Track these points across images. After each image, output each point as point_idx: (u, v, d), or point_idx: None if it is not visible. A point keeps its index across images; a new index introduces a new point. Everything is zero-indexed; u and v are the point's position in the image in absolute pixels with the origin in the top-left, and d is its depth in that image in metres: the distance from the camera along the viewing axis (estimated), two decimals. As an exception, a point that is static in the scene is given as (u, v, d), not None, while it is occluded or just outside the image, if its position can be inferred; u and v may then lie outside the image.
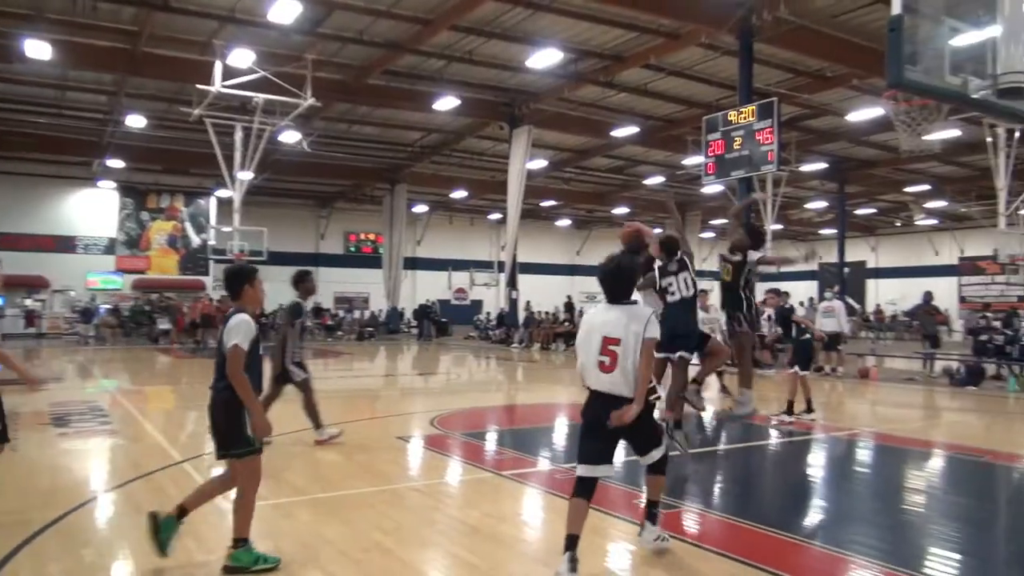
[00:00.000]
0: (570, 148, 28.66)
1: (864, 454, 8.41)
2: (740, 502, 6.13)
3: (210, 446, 6.83)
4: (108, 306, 28.83)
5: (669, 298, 6.85)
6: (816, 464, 7.95)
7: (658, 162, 30.04)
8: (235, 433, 4.24)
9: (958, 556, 4.81)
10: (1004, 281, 29.71)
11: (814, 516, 5.88)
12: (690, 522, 5.40)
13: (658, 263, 6.98)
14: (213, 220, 32.27)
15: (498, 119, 23.96)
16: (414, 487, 6.31)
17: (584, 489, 4.24)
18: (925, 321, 17.77)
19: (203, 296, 30.36)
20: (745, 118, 16.45)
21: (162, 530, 4.22)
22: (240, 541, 4.22)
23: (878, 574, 4.33)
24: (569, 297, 30.35)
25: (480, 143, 27.56)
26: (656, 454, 4.49)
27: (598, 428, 4.21)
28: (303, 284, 7.90)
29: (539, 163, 27.97)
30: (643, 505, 4.71)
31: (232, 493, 4.41)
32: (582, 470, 4.25)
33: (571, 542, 4.11)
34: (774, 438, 8.95)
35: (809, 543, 4.96)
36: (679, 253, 6.95)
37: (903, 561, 4.54)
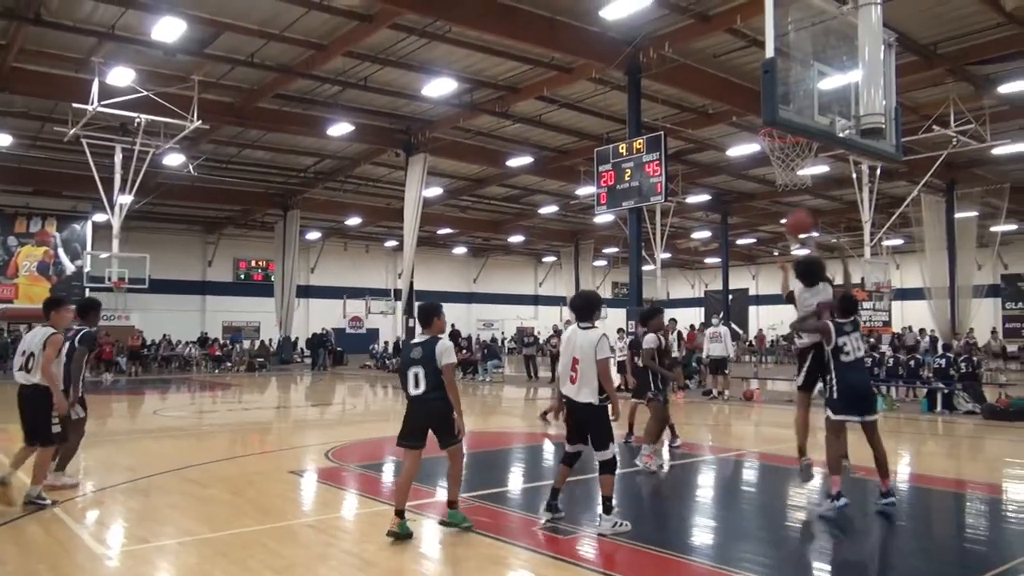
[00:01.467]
0: (466, 176, 28.87)
1: (750, 474, 8.78)
2: (634, 525, 6.25)
3: (82, 488, 6.42)
4: (-32, 338, 26.62)
5: (843, 358, 6.47)
6: (706, 485, 8.23)
7: (552, 191, 30.69)
8: (449, 430, 5.64)
9: (834, 568, 5.08)
10: (871, 307, 31.86)
11: (705, 535, 6.07)
12: (586, 547, 5.46)
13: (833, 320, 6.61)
14: (89, 246, 30.43)
15: (394, 146, 23.87)
16: (307, 523, 6.12)
17: (569, 459, 6.01)
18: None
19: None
20: (634, 151, 17.10)
21: (457, 522, 5.70)
22: (453, 503, 5.79)
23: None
24: (453, 325, 30.21)
25: (375, 170, 27.35)
26: (607, 454, 5.74)
27: (572, 420, 5.92)
28: (93, 313, 7.61)
29: (435, 191, 28.02)
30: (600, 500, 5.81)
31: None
32: (568, 447, 6.00)
33: (553, 494, 5.95)
34: (666, 461, 9.21)
35: (700, 562, 5.11)
36: (853, 315, 6.70)
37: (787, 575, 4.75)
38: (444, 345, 5.62)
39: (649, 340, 9.05)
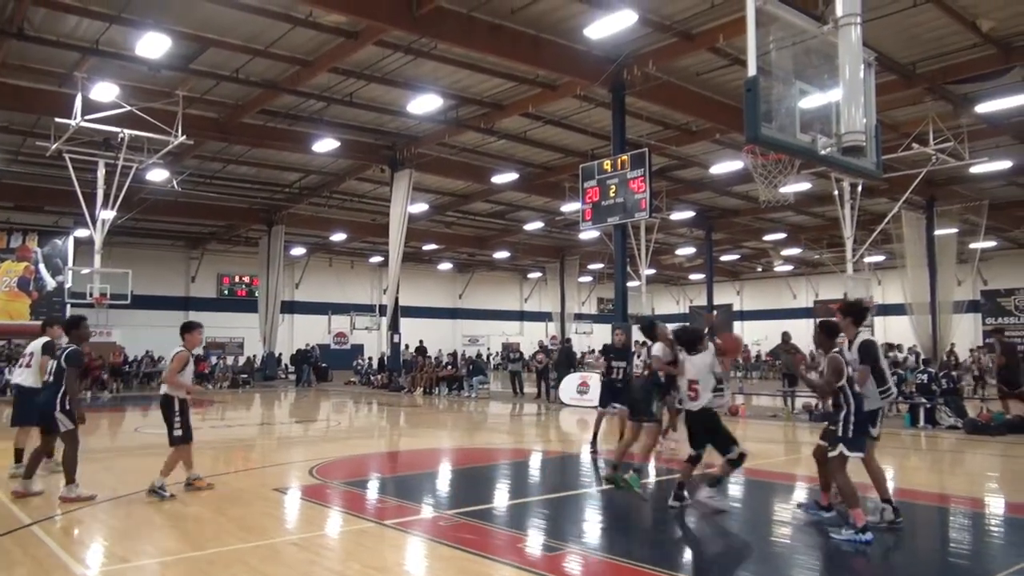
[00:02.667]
0: (451, 192, 28.92)
1: (735, 490, 8.78)
2: (618, 541, 6.25)
3: (62, 507, 6.34)
4: (-55, 355, 26.24)
5: (857, 387, 6.16)
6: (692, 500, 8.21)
7: (537, 207, 30.78)
8: (647, 407, 7.55)
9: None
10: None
11: (690, 551, 6.08)
12: (572, 564, 5.44)
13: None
14: (71, 261, 30.16)
15: (379, 162, 23.90)
16: (291, 541, 6.06)
17: (692, 460, 7.13)
18: (786, 360, 18.85)
19: (58, 343, 28.17)
20: (619, 167, 17.21)
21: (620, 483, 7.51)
22: (639, 470, 7.70)
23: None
24: (421, 341, 30.16)
25: (361, 185, 27.34)
26: (731, 454, 7.00)
27: (693, 430, 7.21)
28: (76, 330, 7.84)
29: (420, 206, 28.04)
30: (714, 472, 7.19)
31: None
32: (691, 452, 7.14)
33: (680, 486, 7.10)
34: (651, 477, 9.21)
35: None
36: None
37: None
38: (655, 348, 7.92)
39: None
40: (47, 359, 7.96)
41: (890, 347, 24.32)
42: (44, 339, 8.60)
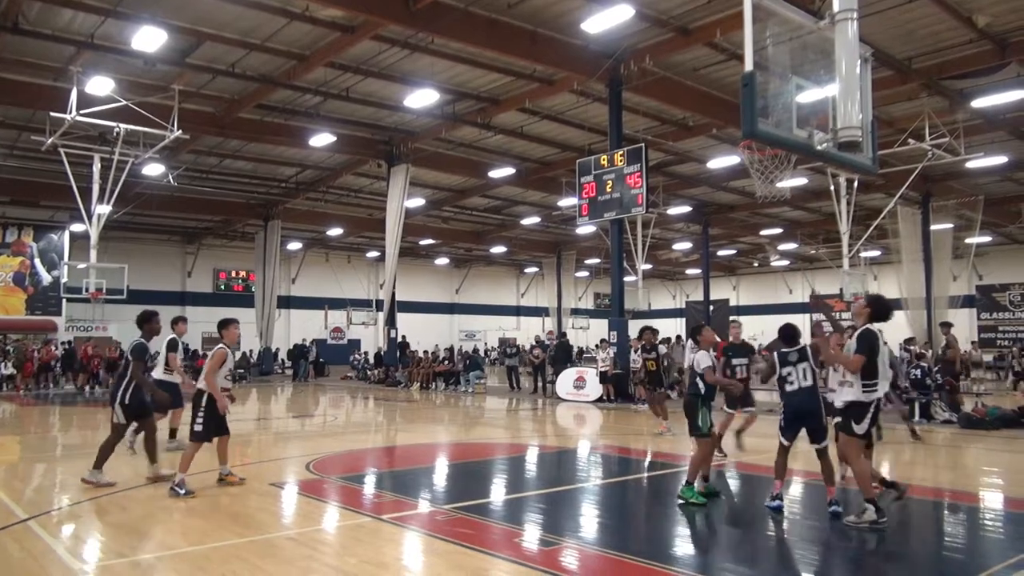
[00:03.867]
0: (448, 187, 28.90)
1: (733, 484, 8.82)
2: (617, 535, 6.27)
3: (58, 502, 6.34)
4: (-60, 350, 26.15)
5: (788, 387, 6.73)
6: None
7: (534, 203, 30.78)
8: (694, 423, 7.03)
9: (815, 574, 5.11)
10: (849, 317, 32.20)
11: (686, 545, 6.09)
12: (569, 558, 5.46)
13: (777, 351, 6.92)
14: (66, 256, 30.10)
15: (376, 157, 23.87)
16: (288, 536, 6.06)
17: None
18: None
19: (54, 338, 28.23)
20: (616, 162, 17.21)
21: (686, 496, 6.91)
22: (689, 484, 6.96)
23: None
24: (404, 336, 30.14)
25: (357, 180, 27.31)
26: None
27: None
28: (148, 325, 8.28)
29: (417, 201, 28.03)
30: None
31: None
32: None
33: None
34: (648, 471, 9.24)
35: (679, 571, 5.12)
36: (799, 342, 6.89)
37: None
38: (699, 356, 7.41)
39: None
40: (173, 355, 8.83)
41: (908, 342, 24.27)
42: (170, 336, 9.48)
